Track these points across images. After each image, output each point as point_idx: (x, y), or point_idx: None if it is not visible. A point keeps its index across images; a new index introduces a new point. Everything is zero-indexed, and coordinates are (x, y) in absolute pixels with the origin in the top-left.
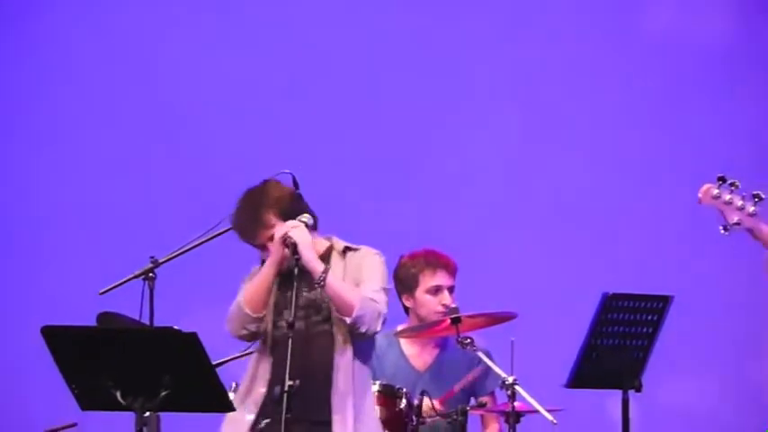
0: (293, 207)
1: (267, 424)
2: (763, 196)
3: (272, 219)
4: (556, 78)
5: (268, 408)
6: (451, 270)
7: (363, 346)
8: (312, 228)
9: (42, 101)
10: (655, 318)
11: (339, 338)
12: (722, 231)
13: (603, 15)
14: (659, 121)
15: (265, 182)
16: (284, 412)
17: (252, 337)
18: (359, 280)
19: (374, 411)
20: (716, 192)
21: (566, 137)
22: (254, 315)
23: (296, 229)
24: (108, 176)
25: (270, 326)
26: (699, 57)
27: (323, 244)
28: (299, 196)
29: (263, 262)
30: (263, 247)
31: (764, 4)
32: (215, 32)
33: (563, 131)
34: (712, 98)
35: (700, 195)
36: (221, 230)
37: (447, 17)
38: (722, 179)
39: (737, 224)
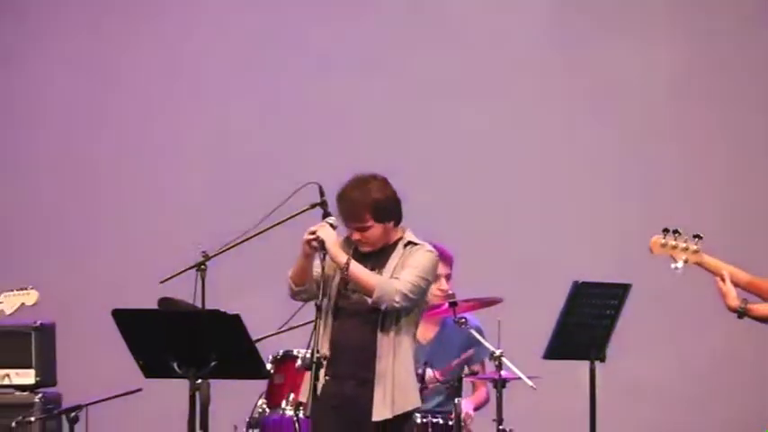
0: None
1: (327, 381)
2: (702, 236)
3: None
4: (542, 75)
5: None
6: (448, 261)
7: (401, 319)
8: (336, 227)
9: (106, 106)
10: (616, 302)
11: (380, 315)
12: (676, 270)
13: None
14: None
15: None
16: (312, 376)
17: (306, 299)
18: (405, 267)
19: (410, 373)
20: (663, 241)
21: (550, 136)
22: (296, 288)
23: (323, 229)
24: (170, 182)
25: (330, 301)
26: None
27: (396, 233)
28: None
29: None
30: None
31: None
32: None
33: (547, 129)
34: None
35: (650, 246)
36: (259, 231)
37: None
38: (666, 230)
39: (686, 262)
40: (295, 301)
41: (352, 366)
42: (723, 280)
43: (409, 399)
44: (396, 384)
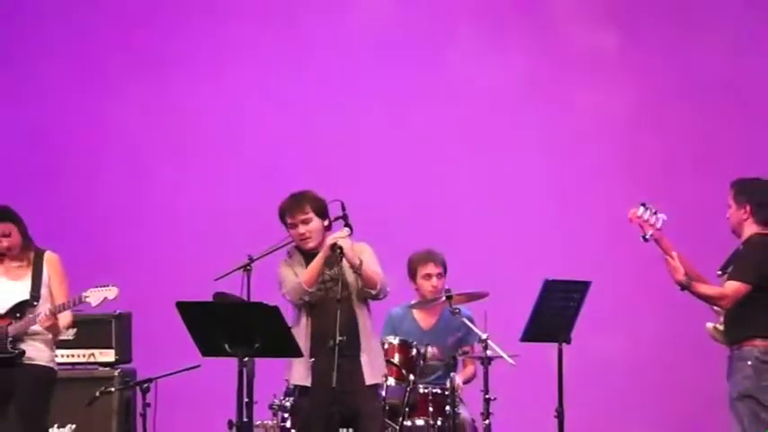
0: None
1: (315, 361)
2: (666, 218)
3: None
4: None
5: (317, 350)
6: (438, 262)
7: (369, 306)
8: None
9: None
10: (578, 295)
11: (357, 302)
12: (642, 240)
13: None
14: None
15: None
16: (336, 355)
17: (308, 301)
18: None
19: (381, 351)
20: (639, 213)
21: (523, 162)
22: (309, 290)
23: (343, 239)
24: (223, 198)
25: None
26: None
27: (338, 238)
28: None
29: (296, 248)
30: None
31: None
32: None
33: (520, 156)
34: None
35: (629, 215)
36: (293, 239)
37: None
38: (644, 204)
39: (653, 237)
40: (295, 304)
41: (348, 347)
42: (673, 258)
43: (382, 366)
44: (374, 357)
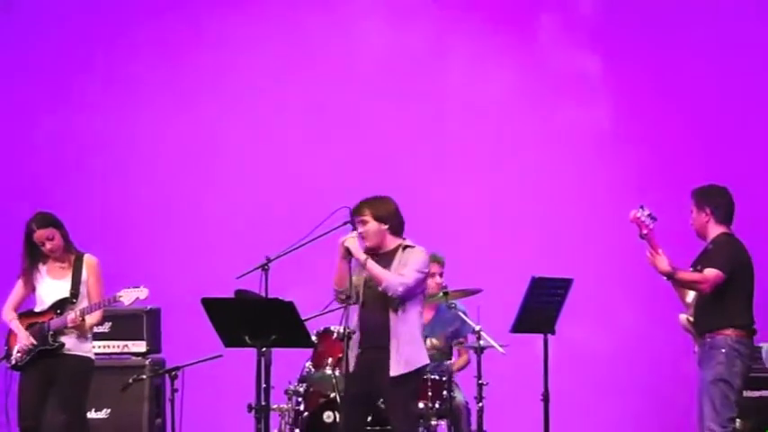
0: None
1: (360, 352)
2: (657, 218)
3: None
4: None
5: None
6: (439, 263)
7: (406, 302)
8: (385, 233)
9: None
10: (562, 291)
11: (388, 299)
12: (640, 238)
13: None
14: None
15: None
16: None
17: (345, 300)
18: (405, 265)
19: (416, 339)
20: (637, 214)
21: (514, 169)
22: (339, 289)
23: (349, 239)
24: (244, 207)
25: (357, 294)
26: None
27: (396, 242)
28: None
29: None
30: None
31: None
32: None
33: (510, 164)
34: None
35: (630, 216)
36: (306, 241)
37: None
38: (642, 207)
39: (646, 234)
40: (337, 302)
41: (374, 338)
42: (660, 254)
43: (418, 359)
44: (404, 349)
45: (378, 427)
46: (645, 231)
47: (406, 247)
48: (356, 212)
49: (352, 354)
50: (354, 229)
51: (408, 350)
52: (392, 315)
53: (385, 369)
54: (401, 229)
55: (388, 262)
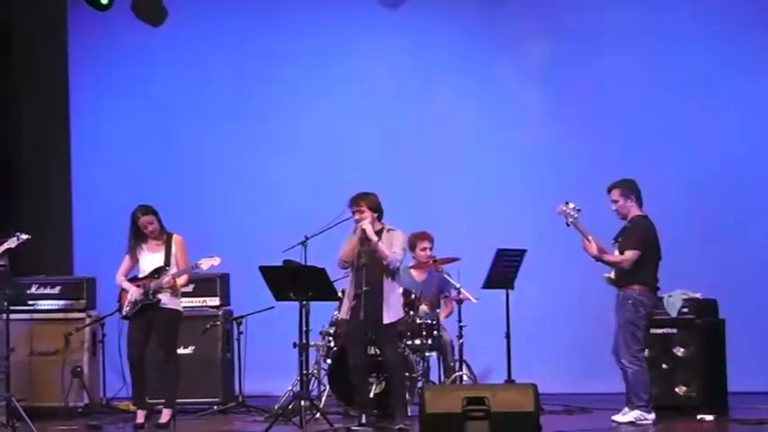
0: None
1: (354, 303)
2: (581, 209)
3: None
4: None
5: (356, 298)
6: (429, 240)
7: (393, 273)
8: (375, 219)
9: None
10: (519, 258)
11: (383, 267)
12: (566, 225)
13: None
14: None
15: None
16: (362, 295)
17: (346, 267)
18: (392, 245)
19: (399, 301)
20: (563, 208)
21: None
22: (347, 260)
23: (365, 223)
24: (291, 195)
25: (357, 263)
26: None
27: (379, 225)
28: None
29: (357, 228)
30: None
31: None
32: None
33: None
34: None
35: (557, 210)
36: (333, 224)
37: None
38: (567, 202)
39: (572, 223)
40: (341, 268)
41: (372, 296)
42: (590, 240)
43: (398, 312)
44: (392, 305)
45: (378, 359)
46: (570, 221)
47: (389, 230)
48: (354, 204)
49: (347, 305)
50: (353, 216)
51: (394, 305)
52: (385, 280)
53: (380, 318)
54: (382, 216)
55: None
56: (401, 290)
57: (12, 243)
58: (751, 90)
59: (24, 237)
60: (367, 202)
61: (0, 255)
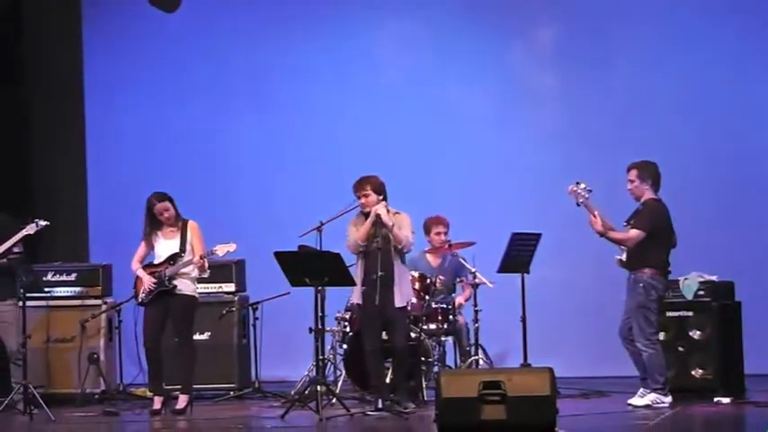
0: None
1: (365, 288)
2: (592, 190)
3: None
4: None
5: (366, 282)
6: (445, 224)
7: (403, 256)
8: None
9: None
10: (534, 242)
11: (394, 252)
12: (576, 205)
13: None
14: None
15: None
16: (378, 279)
17: (359, 251)
18: (401, 227)
19: (409, 285)
20: (573, 188)
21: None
22: (362, 243)
23: (381, 208)
24: (307, 186)
25: (369, 247)
26: None
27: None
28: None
29: (361, 212)
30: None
31: None
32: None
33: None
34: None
35: (567, 190)
36: (345, 211)
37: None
38: (578, 182)
39: (582, 203)
40: (353, 253)
41: (385, 279)
42: (596, 216)
43: (409, 294)
44: (403, 288)
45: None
46: (580, 200)
47: (395, 212)
48: (359, 187)
49: (359, 290)
50: (359, 200)
51: (405, 288)
52: (395, 263)
53: (391, 301)
54: (386, 198)
55: (378, 224)
56: (417, 274)
57: (30, 230)
58: None
59: (43, 223)
60: (371, 185)
61: (17, 241)
